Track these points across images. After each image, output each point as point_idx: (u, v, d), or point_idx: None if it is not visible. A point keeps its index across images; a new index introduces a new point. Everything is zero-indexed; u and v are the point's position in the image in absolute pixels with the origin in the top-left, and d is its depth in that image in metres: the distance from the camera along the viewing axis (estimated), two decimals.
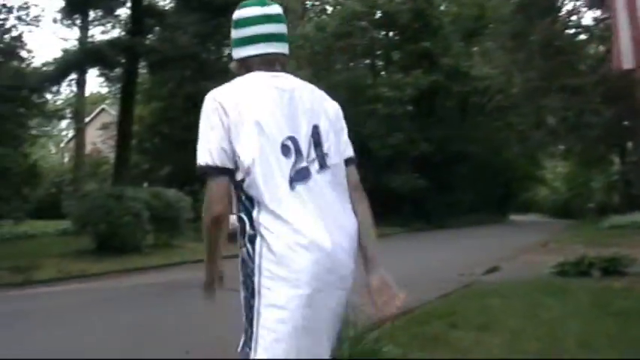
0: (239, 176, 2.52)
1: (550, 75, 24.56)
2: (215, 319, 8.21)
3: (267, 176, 2.48)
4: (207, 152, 2.52)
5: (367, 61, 41.29)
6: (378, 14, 37.20)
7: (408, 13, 34.18)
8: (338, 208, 2.59)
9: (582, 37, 29.76)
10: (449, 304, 8.23)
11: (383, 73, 38.83)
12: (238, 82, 2.69)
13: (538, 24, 23.93)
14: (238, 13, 2.79)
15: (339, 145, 2.73)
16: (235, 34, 2.79)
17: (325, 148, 2.64)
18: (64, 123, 51.81)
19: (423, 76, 32.43)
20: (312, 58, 36.55)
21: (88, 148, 31.66)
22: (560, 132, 29.53)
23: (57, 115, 27.27)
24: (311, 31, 36.42)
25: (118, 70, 23.15)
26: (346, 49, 38.10)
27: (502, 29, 30.55)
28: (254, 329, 2.46)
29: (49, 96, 23.31)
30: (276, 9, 2.78)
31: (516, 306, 7.89)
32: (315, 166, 2.58)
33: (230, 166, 2.52)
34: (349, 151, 2.79)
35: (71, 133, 44.68)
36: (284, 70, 2.78)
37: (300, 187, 2.51)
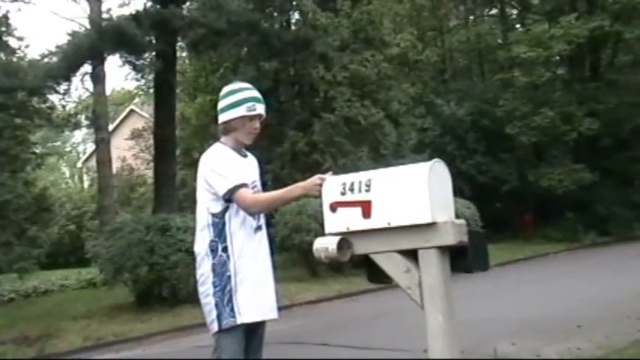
0: None
1: None
2: None
3: None
4: None
5: (494, 11, 40.89)
6: None
7: None
8: None
9: None
10: None
11: (518, 25, 38.30)
12: None
13: None
14: None
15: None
16: None
17: None
18: (79, 134, 53.29)
19: (580, 22, 31.64)
20: (414, 17, 36.30)
21: (116, 165, 32.20)
22: None
23: (68, 123, 27.75)
24: None
25: (148, 56, 23.33)
26: None
27: None
28: None
29: (55, 98, 23.49)
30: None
31: None
32: None
33: None
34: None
35: (91, 148, 45.75)
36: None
37: None
